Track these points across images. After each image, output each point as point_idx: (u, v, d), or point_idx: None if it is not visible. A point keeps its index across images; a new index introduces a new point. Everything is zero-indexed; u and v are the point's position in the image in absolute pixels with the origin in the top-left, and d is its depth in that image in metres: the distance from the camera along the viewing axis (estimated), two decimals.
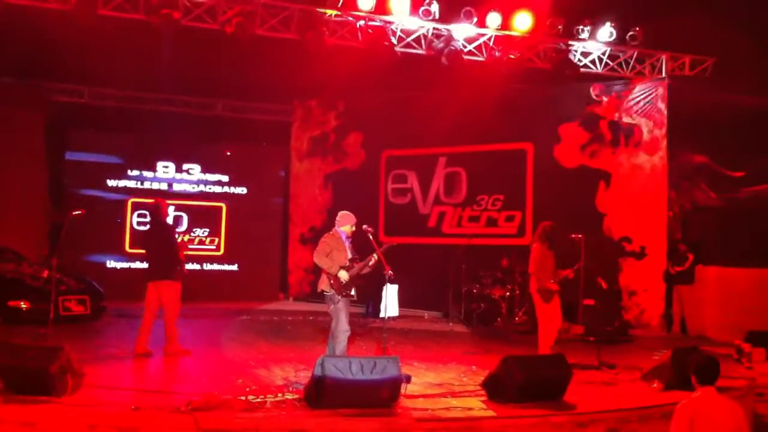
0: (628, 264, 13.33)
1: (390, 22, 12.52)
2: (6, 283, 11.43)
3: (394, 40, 12.66)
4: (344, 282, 7.37)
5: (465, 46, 12.98)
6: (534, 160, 14.44)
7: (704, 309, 12.32)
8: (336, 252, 7.47)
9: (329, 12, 12.12)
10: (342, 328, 7.41)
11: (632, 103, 13.52)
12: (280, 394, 6.64)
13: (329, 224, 7.92)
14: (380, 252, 7.32)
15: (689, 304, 12.47)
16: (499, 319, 12.82)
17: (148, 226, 9.56)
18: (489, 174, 14.86)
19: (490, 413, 6.31)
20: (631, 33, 12.90)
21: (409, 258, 12.95)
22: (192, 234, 16.56)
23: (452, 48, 12.74)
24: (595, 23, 12.86)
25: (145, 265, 9.56)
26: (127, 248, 16.38)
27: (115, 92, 16.51)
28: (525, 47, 13.22)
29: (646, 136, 13.35)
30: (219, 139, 17.37)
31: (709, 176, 13.56)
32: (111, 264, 16.25)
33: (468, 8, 12.47)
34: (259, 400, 6.34)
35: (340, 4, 12.05)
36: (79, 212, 8.50)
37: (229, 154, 17.45)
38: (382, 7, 12.21)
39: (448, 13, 12.50)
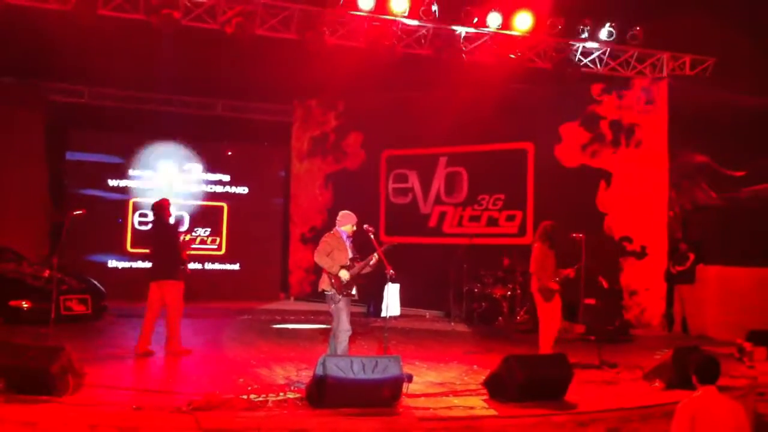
0: (628, 263, 13.33)
1: (390, 22, 12.51)
2: (7, 283, 11.43)
3: (394, 40, 12.65)
4: (345, 281, 7.37)
5: (465, 46, 12.98)
6: (535, 160, 14.44)
7: (705, 308, 12.31)
8: (337, 251, 7.47)
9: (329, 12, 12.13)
10: (343, 327, 7.41)
11: (633, 102, 13.52)
12: (281, 394, 6.63)
13: (330, 224, 7.92)
14: (381, 251, 7.32)
15: (690, 304, 12.47)
16: (500, 318, 12.82)
17: (151, 226, 9.53)
18: (490, 174, 14.86)
19: (492, 412, 6.31)
20: (631, 33, 12.90)
21: (411, 257, 12.94)
22: (193, 233, 16.55)
23: (452, 48, 12.74)
24: (596, 23, 12.85)
25: (147, 264, 9.56)
26: (128, 248, 16.39)
27: (115, 92, 16.51)
28: (525, 47, 13.22)
29: (646, 135, 13.35)
30: (219, 139, 17.38)
31: (710, 176, 13.56)
32: (112, 263, 16.25)
33: (468, 8, 12.47)
34: (260, 399, 6.33)
35: (340, 3, 12.05)
36: (80, 212, 8.50)
37: (230, 154, 17.46)
38: (382, 7, 12.21)
39: (449, 13, 12.50)
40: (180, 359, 8.76)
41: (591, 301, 11.18)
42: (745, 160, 13.22)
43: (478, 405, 6.52)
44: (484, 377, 7.15)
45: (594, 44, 13.16)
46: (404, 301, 14.00)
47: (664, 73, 13.41)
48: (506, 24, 12.67)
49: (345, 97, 16.62)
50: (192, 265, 9.46)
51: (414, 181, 15.91)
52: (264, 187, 17.81)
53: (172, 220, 9.44)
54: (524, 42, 13.08)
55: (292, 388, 6.98)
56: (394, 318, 13.24)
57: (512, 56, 13.14)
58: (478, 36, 12.98)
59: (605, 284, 12.15)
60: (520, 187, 14.52)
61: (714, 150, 13.33)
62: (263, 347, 9.94)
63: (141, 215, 16.42)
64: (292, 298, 17.01)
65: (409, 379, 6.86)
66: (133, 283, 14.24)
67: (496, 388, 6.78)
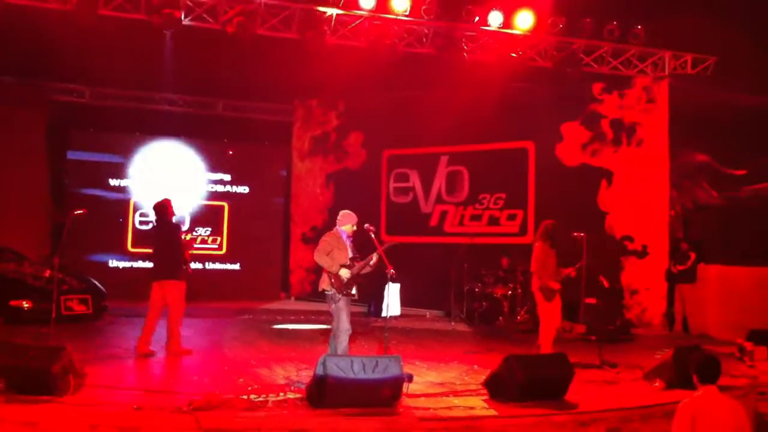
0: (629, 263, 13.33)
1: (391, 21, 12.50)
2: (7, 283, 11.44)
3: (395, 40, 12.64)
4: (345, 281, 7.37)
5: (466, 45, 12.97)
6: (536, 159, 14.44)
7: (706, 308, 12.31)
8: (337, 251, 7.47)
9: (330, 11, 12.12)
10: (343, 327, 7.40)
11: (634, 101, 13.51)
12: (281, 394, 6.63)
13: (330, 223, 7.92)
14: (382, 251, 7.32)
15: (691, 303, 12.46)
16: (501, 318, 12.82)
17: (154, 225, 9.53)
18: (491, 173, 14.87)
19: (492, 412, 6.31)
20: (632, 31, 12.89)
21: (411, 257, 12.94)
22: (194, 233, 16.56)
23: (453, 47, 12.73)
24: (597, 22, 12.83)
25: (149, 264, 9.55)
26: (129, 248, 16.41)
27: (116, 92, 16.53)
28: (527, 46, 13.21)
29: (647, 134, 13.34)
30: (220, 139, 17.38)
31: (711, 175, 13.55)
32: (113, 263, 16.27)
33: (469, 7, 12.46)
34: (260, 399, 6.33)
35: (341, 3, 12.04)
36: (81, 212, 8.50)
37: (231, 153, 17.46)
38: (383, 6, 12.21)
39: (450, 12, 12.49)
40: (180, 359, 8.76)
41: (592, 301, 11.18)
42: (746, 159, 13.21)
43: (478, 405, 6.52)
44: (484, 377, 7.14)
45: (595, 43, 13.13)
46: (405, 301, 14.01)
47: (666, 72, 13.40)
48: (507, 23, 12.67)
49: (346, 97, 16.62)
50: (193, 265, 9.45)
51: (415, 180, 15.91)
52: (265, 187, 17.82)
53: (174, 220, 9.44)
54: (525, 41, 13.07)
55: (292, 388, 6.97)
56: (395, 318, 13.25)
57: (513, 55, 13.14)
58: (479, 35, 12.97)
59: (606, 283, 12.14)
60: (521, 186, 14.52)
61: (715, 149, 13.32)
62: (263, 347, 9.94)
63: (142, 215, 16.43)
64: (292, 298, 17.01)
65: (410, 379, 6.86)
66: (133, 283, 14.26)
67: (497, 388, 6.77)
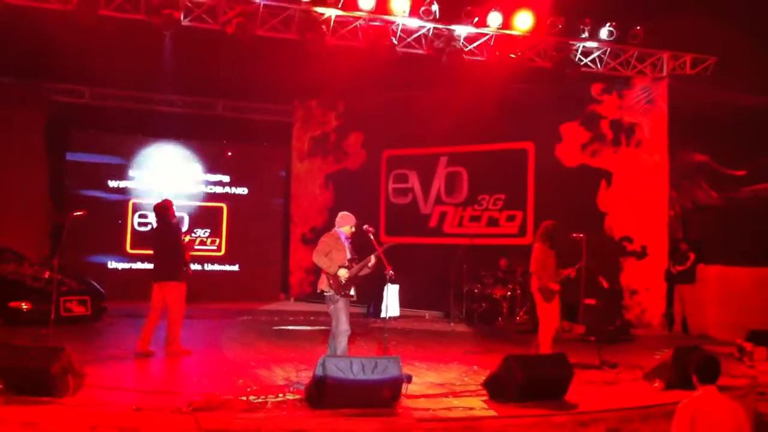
0: (629, 263, 13.33)
1: (391, 22, 12.51)
2: (7, 284, 11.44)
3: (394, 40, 12.65)
4: (343, 281, 7.37)
5: (466, 46, 12.98)
6: (535, 160, 14.45)
7: (705, 308, 12.31)
8: (335, 252, 7.47)
9: (329, 12, 12.12)
10: (342, 328, 7.40)
11: (633, 102, 13.53)
12: (281, 395, 6.63)
13: (330, 224, 7.92)
14: (381, 251, 7.32)
15: (690, 303, 12.46)
16: (500, 318, 12.82)
17: (155, 226, 9.53)
18: (490, 173, 14.87)
19: (492, 413, 6.30)
20: (631, 32, 12.89)
21: (411, 258, 12.96)
22: (193, 234, 16.55)
23: (453, 48, 12.74)
24: (596, 22, 12.85)
25: (149, 265, 9.56)
26: (128, 249, 16.40)
27: (115, 92, 16.52)
28: (526, 46, 13.21)
29: (647, 135, 13.36)
30: (220, 140, 17.38)
31: (710, 175, 13.55)
32: (112, 265, 16.26)
33: (469, 8, 12.47)
34: (260, 400, 6.33)
35: (340, 4, 12.05)
36: (80, 213, 8.51)
37: (230, 154, 17.45)
38: (382, 6, 12.21)
39: (449, 13, 12.50)
40: (180, 360, 8.76)
41: (591, 301, 11.18)
42: (745, 159, 13.20)
43: (477, 405, 6.52)
44: (483, 378, 7.15)
45: (594, 44, 13.15)
46: (404, 302, 14.00)
47: (665, 73, 13.41)
48: (506, 23, 12.67)
49: (345, 97, 16.63)
50: (192, 266, 9.45)
51: (414, 181, 15.91)
52: (264, 188, 17.81)
53: (175, 222, 9.45)
54: (524, 41, 13.07)
55: (291, 389, 6.98)
56: (394, 318, 13.24)
57: (512, 56, 13.14)
58: (478, 35, 12.97)
59: (605, 284, 12.15)
60: (521, 187, 14.52)
61: (714, 149, 13.31)
62: (263, 348, 9.94)
63: (141, 216, 16.43)
64: (292, 299, 17.01)
65: (409, 379, 6.86)
66: (132, 284, 14.29)
67: (496, 388, 6.77)
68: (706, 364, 5.08)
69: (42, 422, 5.51)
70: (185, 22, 11.78)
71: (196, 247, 16.50)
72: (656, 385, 7.49)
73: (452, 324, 13.12)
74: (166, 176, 16.80)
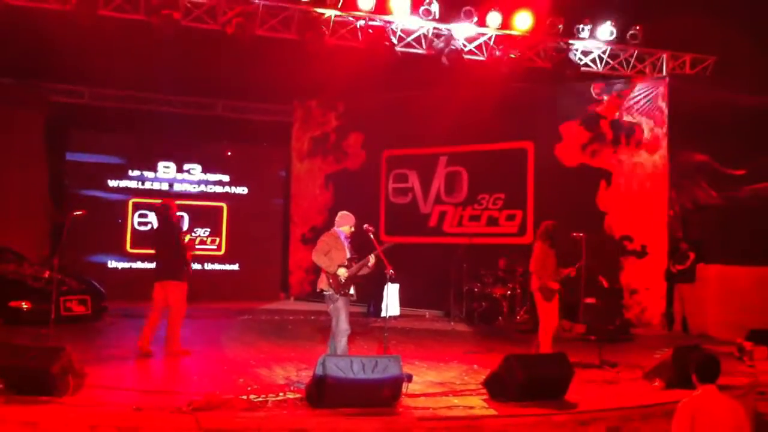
0: (629, 262, 13.34)
1: (390, 22, 12.52)
2: (7, 284, 11.43)
3: (394, 40, 12.66)
4: (343, 280, 7.37)
5: (465, 46, 12.98)
6: (535, 159, 14.45)
7: (705, 307, 12.31)
8: (335, 251, 7.47)
9: (329, 12, 12.12)
10: (342, 327, 7.40)
11: (633, 101, 13.53)
12: (281, 394, 6.63)
13: (330, 224, 7.92)
14: (381, 251, 7.32)
15: (690, 303, 12.46)
16: (500, 317, 12.83)
17: (156, 226, 9.55)
18: (490, 173, 14.87)
19: (492, 412, 6.31)
20: (631, 32, 12.91)
21: (411, 257, 12.96)
22: (193, 234, 16.56)
23: (452, 47, 12.74)
24: (596, 22, 12.86)
25: (150, 265, 9.56)
26: (128, 248, 16.40)
27: (115, 92, 16.53)
28: (525, 46, 13.22)
29: (646, 134, 13.36)
30: (219, 140, 17.38)
31: (710, 175, 13.54)
32: (112, 264, 16.26)
33: (468, 8, 12.47)
34: (260, 399, 6.33)
35: (340, 4, 12.05)
36: (80, 213, 8.51)
37: (230, 154, 17.46)
38: (382, 6, 12.21)
39: (449, 13, 12.51)
40: (180, 359, 8.76)
41: (591, 301, 11.18)
42: (745, 158, 13.20)
43: (478, 405, 6.52)
44: (484, 377, 7.15)
45: (594, 43, 13.15)
46: (404, 301, 13.99)
47: (664, 73, 13.42)
48: (506, 23, 12.68)
49: (345, 98, 16.63)
50: (192, 266, 9.46)
51: (414, 180, 15.91)
52: (264, 188, 17.82)
53: (176, 221, 9.46)
54: (524, 41, 13.08)
55: (291, 388, 6.97)
56: (394, 318, 13.23)
57: (512, 55, 13.14)
58: (478, 35, 12.97)
59: (605, 283, 12.13)
60: (520, 187, 14.52)
61: (714, 149, 13.31)
62: (263, 347, 9.94)
63: (141, 215, 16.43)
64: (292, 298, 17.01)
65: (409, 378, 6.86)
66: (132, 284, 14.28)
67: (497, 387, 6.77)
68: (706, 364, 5.08)
69: (42, 422, 5.52)
70: (185, 22, 11.77)
71: (196, 246, 16.49)
72: (656, 384, 7.50)
73: (452, 323, 13.12)
74: (166, 176, 16.78)
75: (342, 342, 7.40)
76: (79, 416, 5.62)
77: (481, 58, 13.13)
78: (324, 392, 6.00)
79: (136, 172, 16.61)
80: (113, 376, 7.49)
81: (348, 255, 7.50)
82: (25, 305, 11.07)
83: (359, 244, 7.66)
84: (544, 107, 14.31)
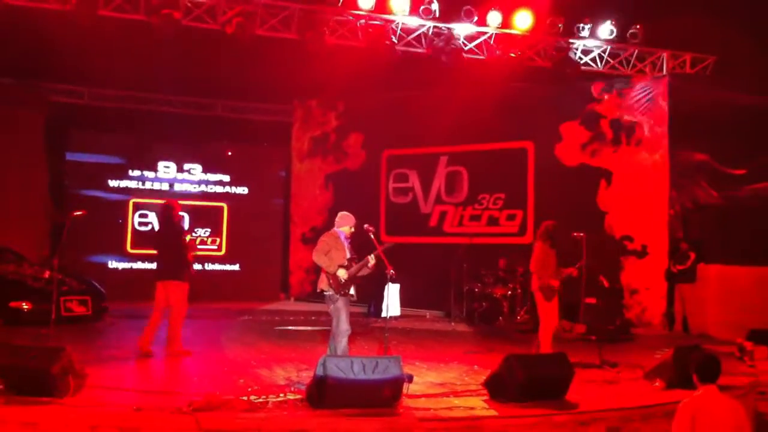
0: (629, 262, 13.33)
1: (390, 21, 12.52)
2: (7, 284, 11.42)
3: (394, 39, 12.65)
4: (343, 281, 7.37)
5: (465, 45, 12.98)
6: (535, 159, 14.45)
7: (706, 307, 12.31)
8: (335, 251, 7.46)
9: (329, 12, 12.12)
10: (342, 327, 7.40)
11: (633, 101, 13.52)
12: (281, 394, 6.63)
13: (330, 224, 7.92)
14: (381, 251, 7.32)
15: (691, 303, 12.46)
16: (500, 318, 12.82)
17: (158, 226, 9.55)
18: (490, 173, 14.87)
19: (492, 412, 6.30)
20: (631, 31, 12.91)
21: (411, 257, 12.96)
22: (194, 234, 16.57)
23: (453, 47, 12.74)
24: (596, 21, 12.86)
25: (150, 265, 9.56)
26: (128, 249, 16.40)
27: (115, 93, 16.53)
28: (525, 46, 13.22)
29: (647, 134, 13.35)
30: (219, 140, 17.38)
31: (710, 174, 13.55)
32: (112, 264, 16.26)
33: (468, 7, 12.47)
34: (260, 400, 6.33)
35: (340, 3, 12.04)
36: (81, 213, 8.51)
37: (230, 154, 17.46)
38: (382, 6, 12.21)
39: (449, 12, 12.51)
40: (181, 360, 8.76)
41: (592, 301, 11.18)
42: (745, 158, 13.21)
43: (478, 405, 6.51)
44: (484, 377, 7.14)
45: (594, 43, 13.15)
46: (404, 301, 14.00)
47: (665, 72, 13.41)
48: (506, 23, 12.68)
49: (345, 97, 16.63)
50: (194, 266, 9.46)
51: (414, 180, 15.91)
52: (264, 188, 17.83)
53: (178, 221, 9.47)
54: (524, 41, 13.07)
55: (292, 388, 6.97)
56: (395, 318, 13.24)
57: (512, 55, 13.14)
58: (478, 34, 12.97)
59: (606, 283, 12.13)
60: (521, 187, 14.52)
61: (714, 148, 13.32)
62: (264, 348, 9.94)
63: (141, 216, 16.43)
64: (292, 299, 17.01)
65: (410, 379, 6.85)
66: (133, 284, 14.29)
67: (497, 388, 6.77)
68: (707, 364, 5.08)
69: (42, 422, 5.51)
70: (185, 22, 11.76)
71: (197, 246, 16.49)
72: (657, 384, 7.49)
73: (453, 323, 13.12)
74: (166, 176, 16.78)
75: (342, 342, 7.40)
76: (79, 417, 5.61)
77: (481, 57, 13.13)
78: (324, 393, 6.00)
79: (137, 172, 16.62)
80: (114, 377, 7.48)
81: (348, 255, 7.49)
82: (25, 305, 11.07)
83: (359, 244, 7.65)
84: (544, 107, 14.30)
